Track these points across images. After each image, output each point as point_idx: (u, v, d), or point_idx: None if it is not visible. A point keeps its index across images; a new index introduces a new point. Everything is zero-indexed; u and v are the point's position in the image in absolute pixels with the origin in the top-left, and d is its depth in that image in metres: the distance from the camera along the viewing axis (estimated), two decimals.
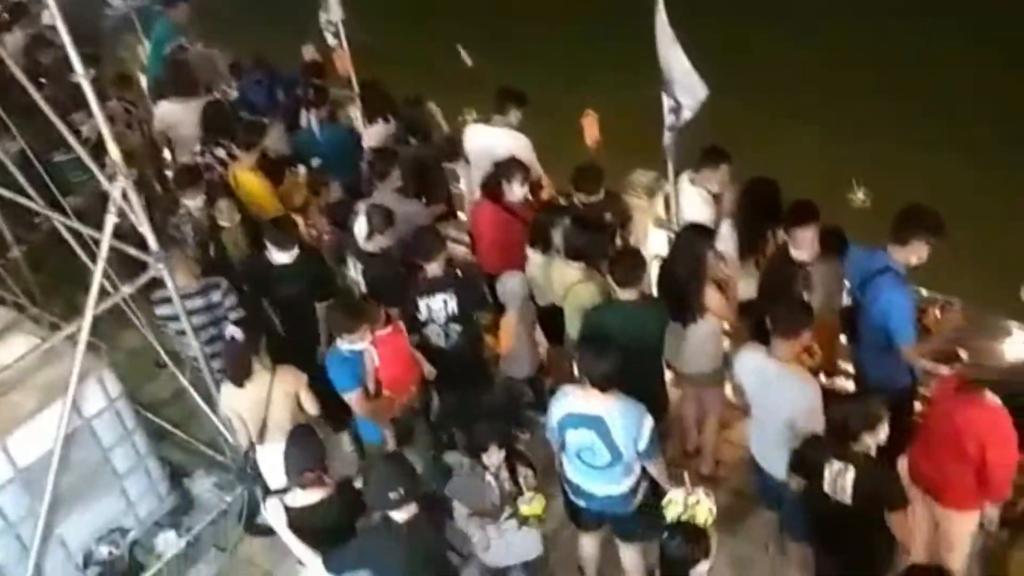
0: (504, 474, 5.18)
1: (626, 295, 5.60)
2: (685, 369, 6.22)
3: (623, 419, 5.02)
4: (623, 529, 5.57)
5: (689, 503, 4.43)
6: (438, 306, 6.19)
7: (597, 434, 5.08)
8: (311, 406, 5.98)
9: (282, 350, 6.21)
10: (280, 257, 6.43)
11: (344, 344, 5.73)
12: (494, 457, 5.13)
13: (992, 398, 4.88)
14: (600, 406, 5.04)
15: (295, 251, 6.44)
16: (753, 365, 5.28)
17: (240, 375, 5.80)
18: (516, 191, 6.71)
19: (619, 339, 5.20)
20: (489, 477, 5.14)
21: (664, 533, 4.36)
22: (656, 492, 5.38)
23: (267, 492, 5.83)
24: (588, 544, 5.82)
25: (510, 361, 6.46)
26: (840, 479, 4.65)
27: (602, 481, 5.26)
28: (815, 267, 5.80)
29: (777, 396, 5.15)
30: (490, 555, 5.35)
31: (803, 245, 5.78)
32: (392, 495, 4.52)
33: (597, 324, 5.64)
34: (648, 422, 5.05)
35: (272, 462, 5.75)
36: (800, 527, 5.40)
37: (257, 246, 6.77)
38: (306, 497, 4.99)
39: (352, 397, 5.83)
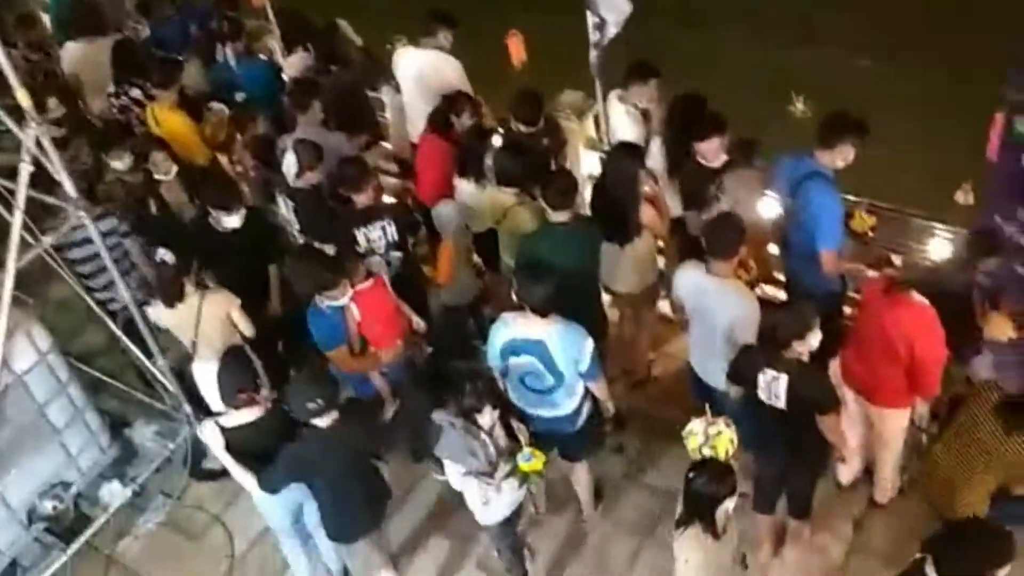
0: (499, 431, 4.95)
1: (559, 218, 5.60)
2: (623, 289, 6.26)
3: (563, 342, 5.06)
4: (570, 448, 5.66)
5: (710, 433, 4.44)
6: (377, 235, 6.12)
7: (539, 359, 5.11)
8: (246, 327, 5.95)
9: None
10: (229, 221, 6.16)
11: (323, 300, 5.52)
12: (488, 417, 4.89)
13: (919, 298, 5.01)
14: (540, 331, 5.06)
15: (242, 211, 6.19)
16: (692, 282, 5.34)
17: (171, 296, 5.80)
18: (465, 124, 6.62)
19: (554, 263, 5.22)
20: (484, 436, 4.87)
21: (691, 472, 4.34)
22: (598, 410, 5.47)
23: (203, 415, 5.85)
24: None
25: (449, 290, 6.44)
26: (774, 386, 4.75)
27: (547, 404, 5.31)
28: (727, 177, 5.84)
29: (716, 310, 5.22)
30: (488, 512, 5.18)
31: (709, 156, 5.86)
32: (311, 405, 4.74)
33: (532, 249, 5.64)
34: (588, 344, 5.09)
35: (206, 383, 5.88)
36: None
37: (200, 199, 6.51)
38: (240, 417, 5.02)
39: (334, 355, 5.63)
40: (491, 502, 5.06)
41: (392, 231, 6.16)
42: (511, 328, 5.16)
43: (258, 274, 6.37)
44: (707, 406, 4.60)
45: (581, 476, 5.85)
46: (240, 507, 6.44)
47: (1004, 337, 5.24)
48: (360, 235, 6.08)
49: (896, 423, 5.45)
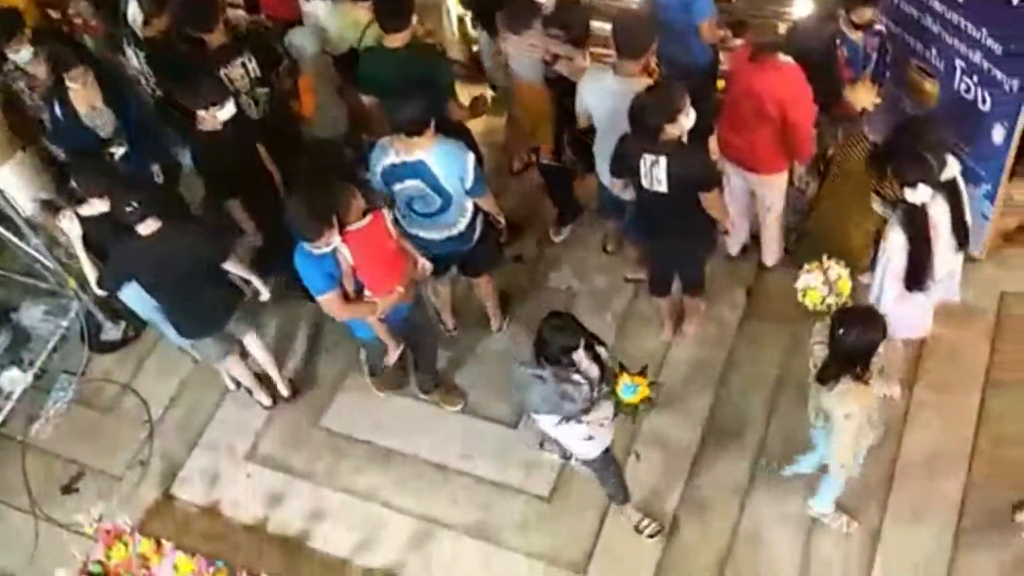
0: (586, 363, 4.37)
1: (393, 43, 5.35)
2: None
3: (444, 161, 4.97)
4: (470, 265, 5.70)
5: (831, 279, 4.29)
6: (238, 73, 5.79)
7: (423, 181, 5.03)
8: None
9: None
10: (223, 114, 5.34)
11: (305, 243, 4.77)
12: (582, 353, 4.31)
13: (785, 58, 5.04)
14: (419, 152, 4.96)
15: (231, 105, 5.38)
16: (600, 86, 5.19)
17: None
18: None
19: (395, 80, 5.07)
20: (576, 376, 4.32)
21: (838, 328, 4.05)
22: (489, 223, 5.47)
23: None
24: (440, 290, 5.95)
25: (317, 123, 6.21)
26: (655, 170, 4.79)
27: (439, 226, 5.27)
28: None
29: (622, 111, 5.10)
30: (593, 445, 4.66)
31: None
32: (128, 209, 4.89)
33: (369, 65, 5.50)
34: (470, 158, 5.02)
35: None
36: (634, 228, 5.66)
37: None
38: (93, 208, 5.23)
39: (324, 300, 4.96)
40: (596, 436, 4.59)
41: (253, 66, 5.84)
42: (389, 153, 5.04)
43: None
44: (825, 259, 4.37)
45: (486, 290, 5.93)
46: (148, 371, 6.39)
47: (870, 105, 5.33)
48: (223, 75, 5.72)
49: (776, 188, 5.59)
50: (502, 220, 5.52)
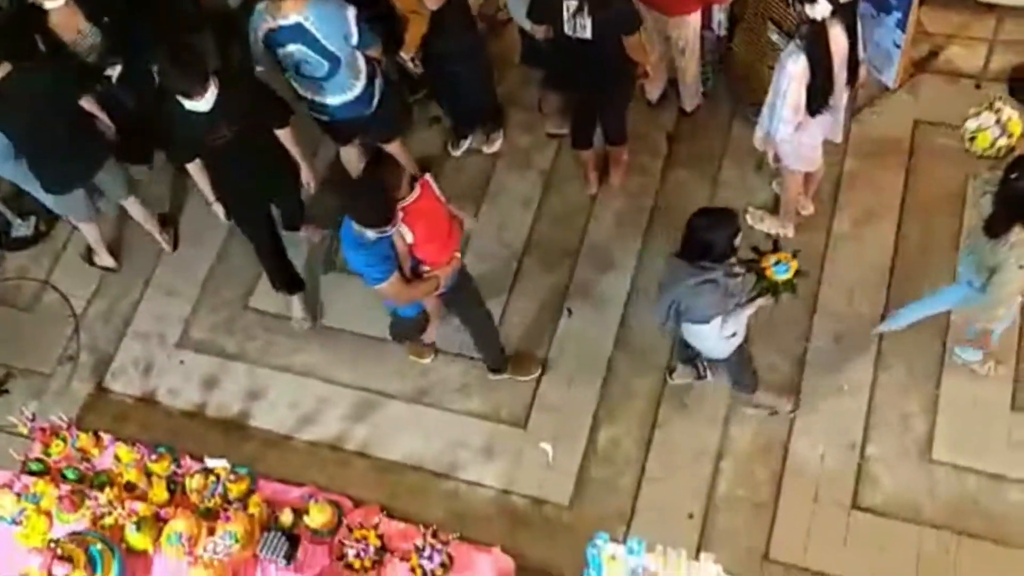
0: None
1: None
2: None
3: (322, 21, 4.76)
4: (376, 131, 5.55)
5: (1002, 120, 4.08)
6: None
7: (304, 44, 4.83)
8: None
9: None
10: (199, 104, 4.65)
11: (365, 230, 4.24)
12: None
13: None
14: (293, 15, 4.73)
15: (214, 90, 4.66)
16: None
17: None
18: None
19: None
20: (738, 268, 4.19)
21: (1011, 173, 3.88)
22: (389, 83, 5.31)
23: None
24: (349, 156, 5.81)
25: None
26: (579, 18, 4.68)
27: (334, 90, 5.09)
28: None
29: None
30: (734, 341, 4.51)
31: None
32: None
33: None
34: (350, 13, 4.81)
35: None
36: (555, 79, 5.59)
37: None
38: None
39: (386, 289, 4.46)
40: (739, 330, 4.45)
41: None
42: (266, 18, 4.80)
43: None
44: (997, 100, 4.15)
45: (399, 155, 5.78)
46: (66, 266, 6.21)
47: None
48: None
49: (691, 29, 5.52)
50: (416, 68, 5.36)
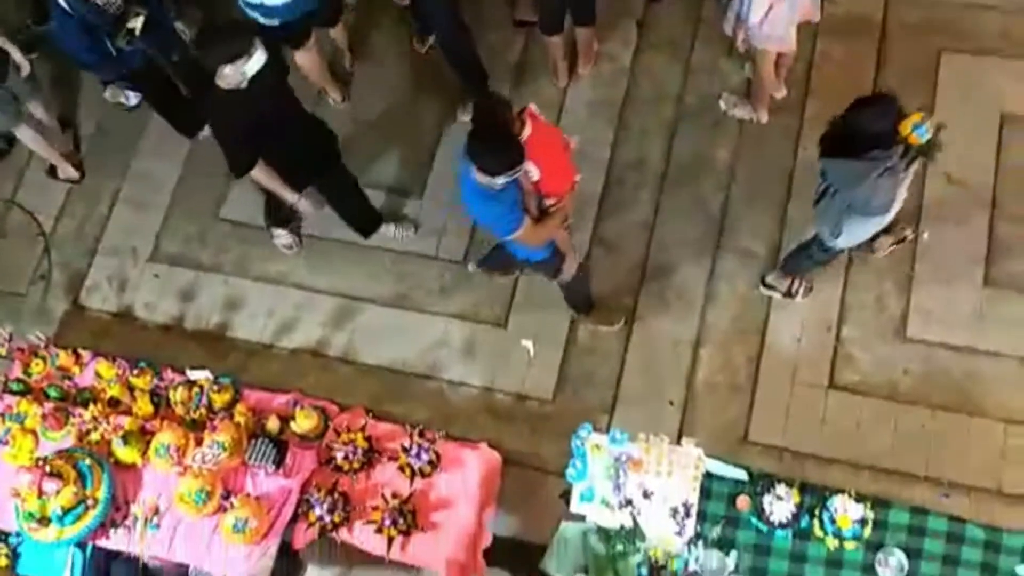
0: None
1: None
2: None
3: None
4: (322, 14, 5.34)
5: None
6: None
7: None
8: None
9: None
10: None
11: (497, 179, 3.89)
12: None
13: None
14: None
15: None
16: None
17: None
18: None
19: None
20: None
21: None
22: None
23: None
24: (306, 61, 5.56)
25: None
26: None
27: None
28: None
29: None
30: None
31: None
32: None
33: None
34: None
35: None
36: None
37: None
38: None
39: (522, 235, 4.17)
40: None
41: None
42: None
43: None
44: None
45: (339, 37, 5.72)
46: (30, 185, 6.09)
47: None
48: None
49: None
50: None
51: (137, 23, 5.00)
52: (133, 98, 6.09)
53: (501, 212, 4.07)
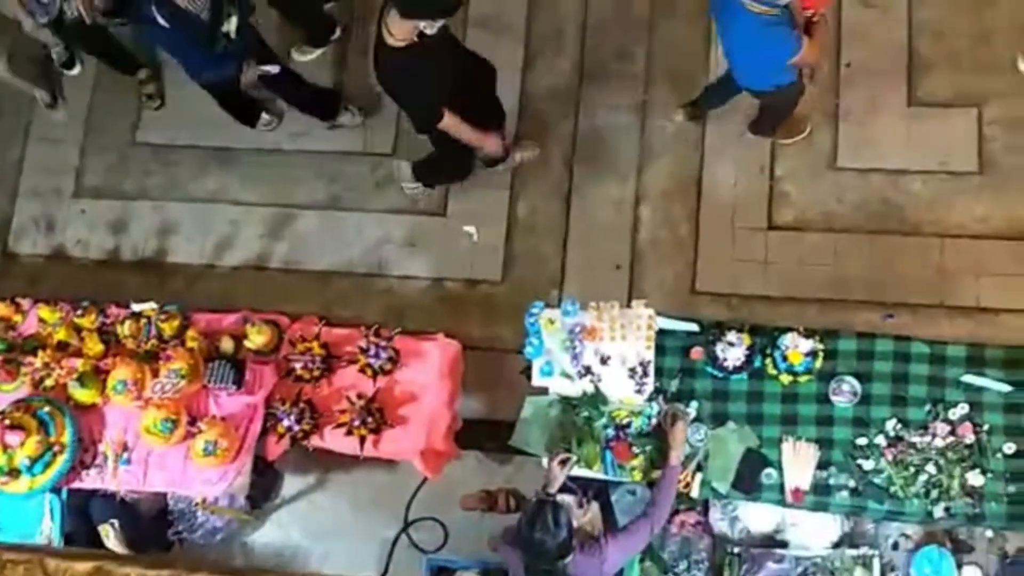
0: None
1: None
2: None
3: None
4: None
5: None
6: None
7: None
8: None
9: None
10: None
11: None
12: None
13: None
14: None
15: None
16: None
17: None
18: None
19: None
20: None
21: None
22: None
23: None
24: None
25: None
26: None
27: None
28: None
29: None
30: None
31: None
32: None
33: None
34: None
35: None
36: None
37: None
38: None
39: (807, 51, 4.12)
40: None
41: None
42: None
43: None
44: None
45: None
46: None
47: None
48: None
49: None
50: None
51: (230, 26, 4.61)
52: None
53: (785, 35, 4.04)
